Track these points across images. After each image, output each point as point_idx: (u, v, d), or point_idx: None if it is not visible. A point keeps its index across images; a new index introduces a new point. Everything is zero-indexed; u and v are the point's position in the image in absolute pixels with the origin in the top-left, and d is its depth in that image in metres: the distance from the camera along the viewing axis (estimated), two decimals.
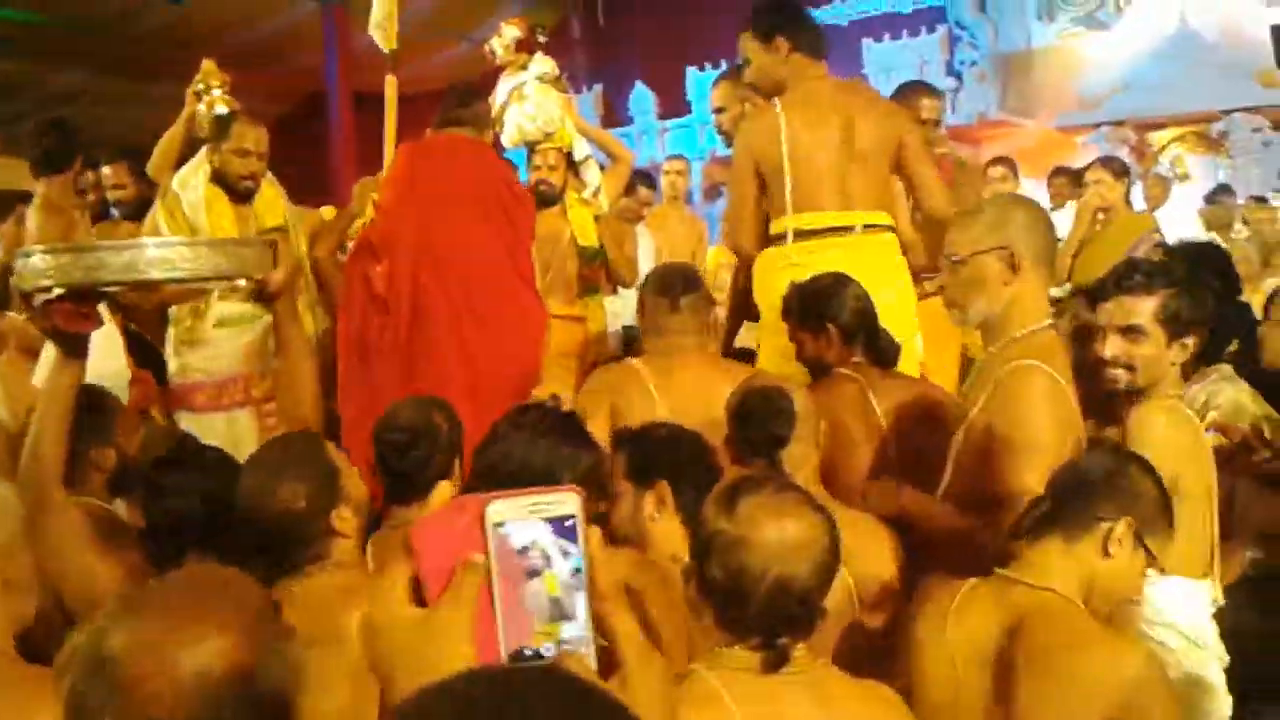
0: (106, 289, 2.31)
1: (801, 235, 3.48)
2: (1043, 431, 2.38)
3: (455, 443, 2.72)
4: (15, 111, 12.83)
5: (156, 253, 2.19)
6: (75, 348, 2.32)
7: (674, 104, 14.53)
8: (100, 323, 2.33)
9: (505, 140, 4.98)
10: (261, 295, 2.43)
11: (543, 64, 5.14)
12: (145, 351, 4.30)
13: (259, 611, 1.33)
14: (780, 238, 3.52)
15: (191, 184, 4.21)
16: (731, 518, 1.81)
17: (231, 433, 4.05)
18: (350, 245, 4.20)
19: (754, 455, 2.55)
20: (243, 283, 2.43)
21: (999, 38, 13.51)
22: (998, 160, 6.94)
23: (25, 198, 5.27)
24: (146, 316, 4.37)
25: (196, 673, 1.21)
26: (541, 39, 5.31)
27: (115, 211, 5.07)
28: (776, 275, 3.50)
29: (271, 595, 1.55)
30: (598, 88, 15.26)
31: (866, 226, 3.50)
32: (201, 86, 4.72)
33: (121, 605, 1.31)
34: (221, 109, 4.62)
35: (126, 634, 1.23)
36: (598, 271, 4.96)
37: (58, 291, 2.17)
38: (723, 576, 1.78)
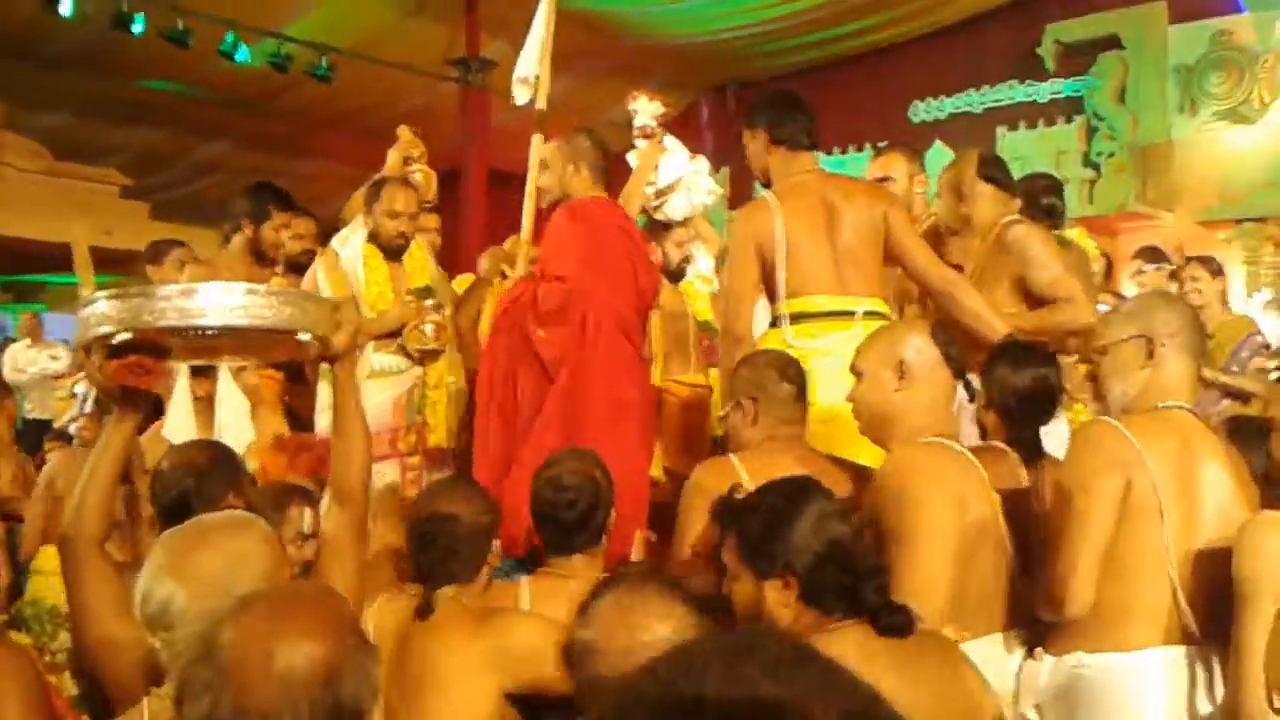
0: (167, 343, 2.23)
1: (798, 319, 3.50)
2: (1075, 471, 2.52)
3: (611, 498, 2.87)
4: (162, 181, 13.46)
5: (201, 300, 2.09)
6: (133, 405, 2.26)
7: None
8: (162, 379, 2.26)
9: (669, 211, 4.98)
10: (324, 356, 2.34)
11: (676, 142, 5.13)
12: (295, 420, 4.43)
13: (351, 627, 1.53)
14: (777, 321, 3.55)
15: (351, 241, 4.42)
16: (586, 622, 1.69)
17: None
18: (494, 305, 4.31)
19: None
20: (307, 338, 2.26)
21: (1139, 129, 13.19)
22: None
23: (178, 244, 5.38)
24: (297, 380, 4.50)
25: (286, 670, 1.40)
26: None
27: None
28: None
29: (361, 615, 1.79)
30: (725, 169, 15.34)
31: (867, 313, 3.49)
32: (416, 153, 4.99)
33: (241, 602, 1.51)
34: (419, 177, 4.87)
35: (236, 627, 1.45)
36: (714, 346, 4.94)
37: (122, 338, 2.09)
38: (586, 689, 1.66)
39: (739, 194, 14.86)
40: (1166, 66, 13.13)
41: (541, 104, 4.52)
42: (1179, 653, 2.45)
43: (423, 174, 4.92)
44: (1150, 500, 2.45)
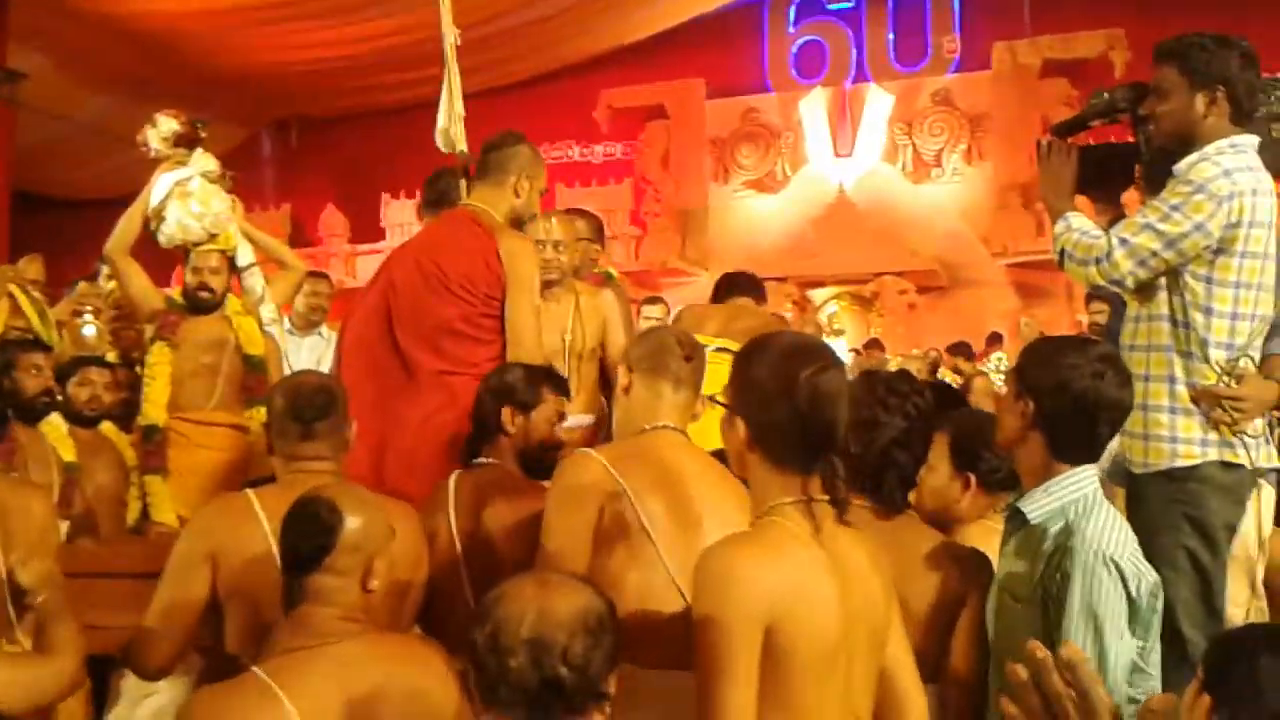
0: None
1: None
2: (548, 501, 2.50)
3: None
4: None
5: None
6: None
7: (367, 230, 14.43)
8: None
9: (163, 239, 4.58)
10: None
11: (205, 160, 4.64)
12: None
13: None
14: None
15: None
16: None
17: None
18: None
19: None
20: None
21: (680, 193, 14.37)
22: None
23: None
24: None
25: None
26: (202, 134, 4.93)
27: None
28: None
29: None
30: (286, 206, 14.94)
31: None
32: None
33: None
34: None
35: None
36: (263, 381, 4.63)
37: None
38: None
39: (299, 235, 14.53)
40: (704, 137, 14.41)
41: (462, 147, 4.10)
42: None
43: None
44: (634, 525, 2.41)
